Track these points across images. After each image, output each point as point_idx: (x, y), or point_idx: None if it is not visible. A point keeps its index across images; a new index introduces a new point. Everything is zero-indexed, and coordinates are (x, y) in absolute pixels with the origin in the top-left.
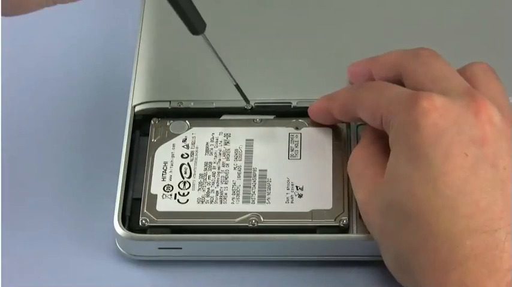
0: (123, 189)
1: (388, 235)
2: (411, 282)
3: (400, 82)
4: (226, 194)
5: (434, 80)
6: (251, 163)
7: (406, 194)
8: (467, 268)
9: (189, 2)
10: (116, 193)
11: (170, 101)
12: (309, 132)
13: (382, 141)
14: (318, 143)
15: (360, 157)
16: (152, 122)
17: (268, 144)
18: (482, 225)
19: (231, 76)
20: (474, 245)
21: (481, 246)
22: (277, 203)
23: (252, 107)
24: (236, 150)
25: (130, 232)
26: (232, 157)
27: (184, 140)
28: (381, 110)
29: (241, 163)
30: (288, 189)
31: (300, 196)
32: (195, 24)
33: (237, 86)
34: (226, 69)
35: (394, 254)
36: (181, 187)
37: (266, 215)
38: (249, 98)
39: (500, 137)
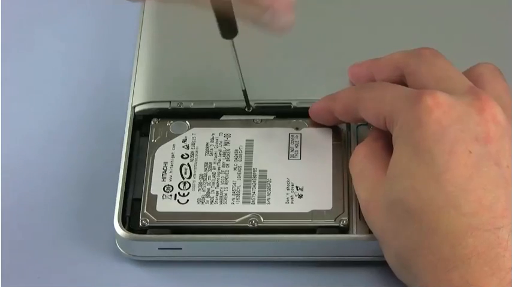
0: (123, 189)
1: (390, 232)
2: (412, 279)
3: (402, 84)
4: (226, 194)
5: (437, 80)
6: (251, 163)
7: (408, 191)
8: (470, 266)
9: (231, 8)
10: (116, 193)
11: (170, 102)
12: (309, 133)
13: (386, 139)
14: (318, 144)
15: (363, 153)
16: (152, 122)
17: (268, 144)
18: (485, 223)
19: (243, 81)
20: (477, 243)
21: (484, 244)
22: (277, 203)
23: (252, 107)
24: (236, 150)
25: (130, 233)
26: (232, 157)
27: (184, 141)
28: (384, 109)
29: (241, 163)
30: (288, 189)
31: (300, 196)
32: (230, 29)
33: (245, 92)
34: (241, 73)
35: (396, 251)
36: (182, 188)
37: (266, 215)
38: (249, 98)
39: (503, 135)
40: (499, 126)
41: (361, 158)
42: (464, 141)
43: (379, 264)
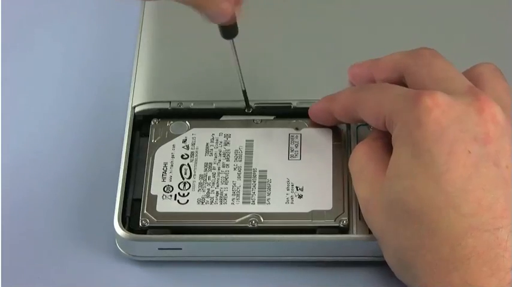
0: (123, 190)
1: (389, 232)
2: (412, 279)
3: (401, 84)
4: (226, 194)
5: (436, 80)
6: (251, 163)
7: (408, 191)
8: (469, 267)
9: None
10: (116, 194)
11: (170, 102)
12: (309, 133)
13: (385, 139)
14: (318, 144)
15: (363, 151)
16: (152, 122)
17: (268, 144)
18: (484, 223)
19: (243, 81)
20: (476, 244)
21: (483, 245)
22: (277, 203)
23: (252, 107)
24: (236, 151)
25: (130, 233)
26: (232, 158)
27: (184, 141)
28: (383, 110)
29: (241, 164)
30: (288, 189)
31: (300, 196)
32: (230, 30)
33: (244, 92)
34: (241, 74)
35: (395, 251)
36: (181, 188)
37: (266, 215)
38: (249, 98)
39: (503, 135)
40: (498, 126)
41: (361, 156)
42: (463, 141)
43: (379, 264)
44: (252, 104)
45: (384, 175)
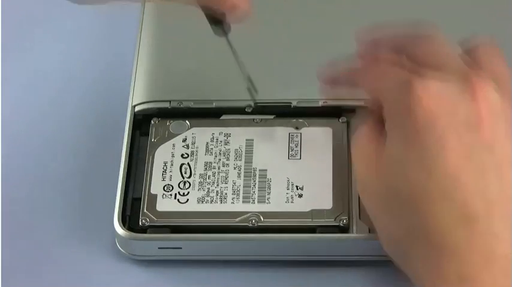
0: (123, 189)
1: (383, 218)
2: (408, 266)
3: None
4: (226, 194)
5: (432, 62)
6: (251, 162)
7: (401, 180)
8: (462, 256)
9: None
10: (116, 193)
11: (170, 101)
12: (309, 132)
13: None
14: (318, 143)
15: (364, 133)
16: (152, 122)
17: (268, 144)
18: (477, 211)
19: (243, 68)
20: (468, 233)
21: (475, 234)
22: (277, 203)
23: (252, 106)
24: (236, 150)
25: (130, 232)
26: (232, 157)
27: (184, 140)
28: (379, 97)
29: (241, 163)
30: (288, 189)
31: (300, 195)
32: (223, 26)
33: (249, 78)
34: (239, 63)
35: (390, 238)
36: (181, 187)
37: (266, 215)
38: (249, 98)
39: (497, 119)
40: (491, 110)
41: (362, 137)
42: (455, 129)
43: (379, 264)
44: (251, 103)
45: (381, 156)
